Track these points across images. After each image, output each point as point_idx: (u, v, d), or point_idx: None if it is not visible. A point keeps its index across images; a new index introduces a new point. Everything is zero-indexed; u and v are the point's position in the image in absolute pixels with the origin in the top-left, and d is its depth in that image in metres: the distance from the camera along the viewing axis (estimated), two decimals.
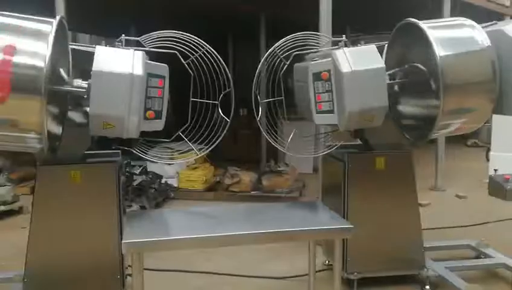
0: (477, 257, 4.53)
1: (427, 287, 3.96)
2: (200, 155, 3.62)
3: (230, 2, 7.64)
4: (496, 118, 6.55)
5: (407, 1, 7.53)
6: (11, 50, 2.61)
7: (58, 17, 2.83)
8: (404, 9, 7.37)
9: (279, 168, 7.36)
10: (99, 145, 4.67)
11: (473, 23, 3.31)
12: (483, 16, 4.59)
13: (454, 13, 6.96)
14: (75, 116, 3.31)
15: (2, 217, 6.28)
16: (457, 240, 4.82)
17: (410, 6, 7.44)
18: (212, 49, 3.35)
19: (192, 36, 3.33)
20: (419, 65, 3.44)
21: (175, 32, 3.28)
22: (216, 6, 8.01)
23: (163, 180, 7.41)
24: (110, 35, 8.82)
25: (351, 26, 10.51)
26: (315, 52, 3.89)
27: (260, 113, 3.62)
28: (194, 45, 3.34)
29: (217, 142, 3.42)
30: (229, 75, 3.35)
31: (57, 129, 3.16)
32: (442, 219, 5.88)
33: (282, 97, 3.73)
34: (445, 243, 4.72)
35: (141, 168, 7.31)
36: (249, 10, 8.37)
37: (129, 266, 3.44)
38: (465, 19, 3.39)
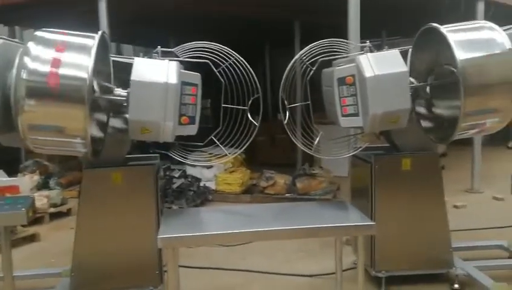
0: (510, 258, 4.53)
1: (456, 285, 4.01)
2: (230, 157, 3.79)
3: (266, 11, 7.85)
4: None
5: (441, 4, 7.53)
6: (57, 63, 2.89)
7: (100, 33, 3.09)
8: (437, 12, 7.41)
9: (313, 171, 7.48)
10: (140, 150, 4.94)
11: (493, 25, 3.36)
12: None
13: (487, 15, 6.92)
14: (116, 122, 3.57)
15: (51, 218, 6.65)
16: (489, 241, 4.82)
17: (443, 8, 7.45)
18: (241, 58, 3.51)
19: (223, 46, 3.50)
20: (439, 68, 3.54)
21: (206, 43, 3.46)
22: (252, 15, 8.24)
23: (201, 183, 7.68)
24: (151, 46, 9.19)
25: (387, 30, 10.55)
26: (342, 57, 4.02)
27: (287, 117, 3.78)
28: (224, 54, 3.53)
29: (246, 144, 3.58)
30: (257, 81, 3.52)
31: (100, 134, 3.41)
32: (477, 221, 5.85)
33: (309, 102, 3.87)
34: (477, 244, 4.73)
35: (180, 171, 7.61)
36: (283, 18, 8.55)
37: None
38: (485, 21, 3.44)
